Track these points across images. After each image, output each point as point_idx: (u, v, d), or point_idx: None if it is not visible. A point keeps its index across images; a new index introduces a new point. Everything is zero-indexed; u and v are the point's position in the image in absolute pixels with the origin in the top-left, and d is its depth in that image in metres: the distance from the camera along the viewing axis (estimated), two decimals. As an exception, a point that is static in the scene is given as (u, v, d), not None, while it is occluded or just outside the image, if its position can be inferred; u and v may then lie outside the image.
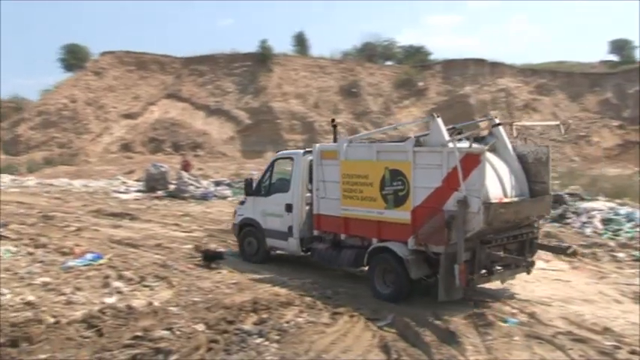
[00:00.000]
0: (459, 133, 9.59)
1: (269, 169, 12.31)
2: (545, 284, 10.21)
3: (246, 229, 12.48)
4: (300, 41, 52.45)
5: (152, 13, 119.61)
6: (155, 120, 45.11)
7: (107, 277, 9.86)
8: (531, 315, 8.31)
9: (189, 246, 13.11)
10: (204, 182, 25.56)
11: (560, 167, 29.82)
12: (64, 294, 8.87)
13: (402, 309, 8.58)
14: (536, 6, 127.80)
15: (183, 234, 14.90)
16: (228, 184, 25.97)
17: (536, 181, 9.56)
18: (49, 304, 8.32)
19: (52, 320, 7.46)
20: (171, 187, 24.53)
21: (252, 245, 12.35)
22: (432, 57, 54.88)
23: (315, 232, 11.08)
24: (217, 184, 26.10)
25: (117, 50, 49.67)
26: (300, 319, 7.96)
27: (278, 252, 12.21)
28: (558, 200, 17.00)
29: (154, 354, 6.57)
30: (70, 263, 10.50)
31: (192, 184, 23.96)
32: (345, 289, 9.87)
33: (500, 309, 8.60)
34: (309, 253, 11.41)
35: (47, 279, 9.50)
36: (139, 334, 7.08)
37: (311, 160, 11.13)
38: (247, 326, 7.54)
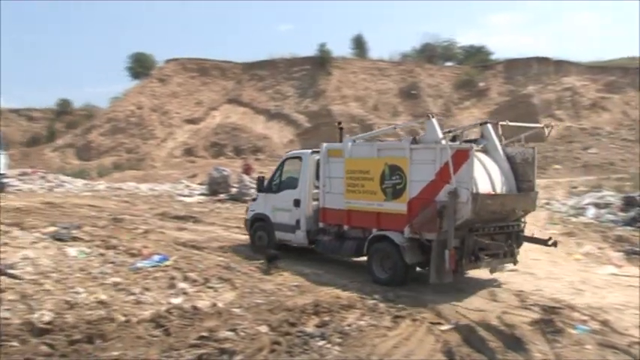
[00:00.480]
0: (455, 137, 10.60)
1: (279, 168, 13.46)
2: (618, 290, 9.80)
3: (257, 223, 13.52)
4: (359, 44, 52.41)
5: (214, 20, 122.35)
6: (217, 125, 46.11)
7: (173, 278, 10.10)
8: (604, 323, 7.98)
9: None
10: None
11: (632, 168, 28.57)
12: (133, 294, 9.16)
13: (466, 312, 8.44)
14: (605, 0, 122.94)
15: (245, 236, 15.14)
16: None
17: (524, 180, 10.50)
18: (120, 304, 8.61)
19: (123, 319, 7.72)
20: (233, 190, 24.99)
21: (262, 239, 13.32)
22: (493, 57, 53.81)
23: (321, 225, 12.11)
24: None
25: (180, 57, 51.12)
26: (361, 322, 7.96)
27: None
28: (631, 202, 16.34)
29: (219, 354, 6.72)
30: (139, 264, 10.82)
31: (253, 187, 24.33)
32: (407, 292, 9.79)
33: (570, 315, 8.29)
34: (313, 245, 12.36)
35: (118, 279, 9.83)
36: (205, 334, 7.24)
37: (318, 159, 12.23)
38: (309, 328, 7.60)
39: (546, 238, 11.32)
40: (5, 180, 24.02)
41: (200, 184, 30.76)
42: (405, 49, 56.84)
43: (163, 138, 45.37)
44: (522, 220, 10.82)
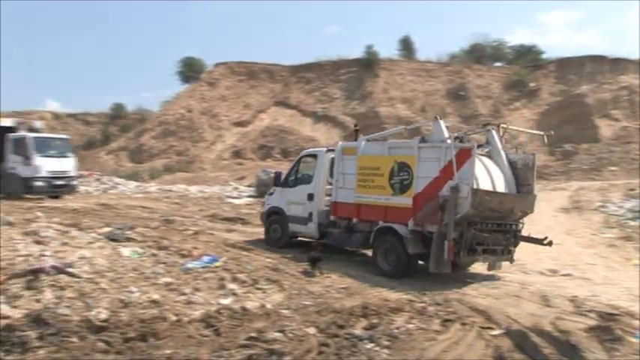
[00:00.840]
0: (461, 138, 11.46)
1: (296, 165, 14.60)
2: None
3: (273, 217, 14.55)
4: (407, 45, 52.04)
5: (262, 23, 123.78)
6: (265, 127, 46.59)
7: (222, 279, 10.24)
8: (666, 331, 7.65)
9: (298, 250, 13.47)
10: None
11: None
12: (184, 294, 9.34)
13: (518, 317, 8.26)
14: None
15: (292, 238, 15.27)
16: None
17: (523, 184, 11.27)
18: (172, 303, 8.79)
19: (174, 318, 7.86)
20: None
21: (276, 231, 14.40)
22: (544, 56, 52.49)
23: (332, 218, 13.04)
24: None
25: (229, 61, 51.91)
26: (410, 326, 7.88)
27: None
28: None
29: (268, 355, 6.75)
30: (189, 265, 11.03)
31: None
32: (457, 295, 9.67)
33: (629, 323, 7.97)
34: (324, 238, 13.21)
35: (169, 279, 10.04)
36: (254, 335, 7.30)
37: (332, 158, 13.27)
38: (358, 331, 7.56)
39: (542, 237, 11.72)
40: (74, 182, 24.83)
41: (248, 185, 31.18)
42: (453, 49, 56.10)
43: (212, 140, 46.15)
44: (521, 221, 11.51)
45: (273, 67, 51.76)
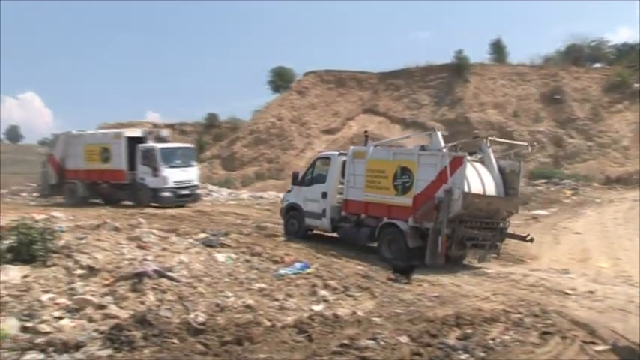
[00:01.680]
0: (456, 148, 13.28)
1: (311, 166, 16.74)
2: None
3: (291, 212, 16.51)
4: (498, 49, 50.40)
5: (351, 31, 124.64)
6: (353, 135, 46.63)
7: (314, 285, 10.39)
8: None
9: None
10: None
11: None
12: (277, 299, 9.56)
13: (625, 333, 7.79)
14: None
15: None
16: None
17: (510, 187, 13.13)
18: (265, 308, 9.02)
19: (268, 323, 8.06)
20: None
21: (294, 225, 16.37)
22: (651, 54, 49.13)
23: (343, 214, 14.91)
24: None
25: (318, 70, 52.51)
26: (506, 337, 7.64)
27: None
28: None
29: (361, 362, 6.78)
30: (282, 271, 11.27)
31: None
32: (555, 307, 9.26)
33: None
34: (335, 231, 15.27)
35: (262, 285, 10.32)
36: (346, 342, 7.33)
37: (344, 161, 15.12)
38: (451, 341, 7.43)
39: (524, 235, 13.31)
40: (198, 192, 25.81)
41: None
42: (547, 51, 53.64)
43: (302, 148, 46.84)
44: (507, 219, 13.35)
45: (361, 74, 51.79)
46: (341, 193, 15.01)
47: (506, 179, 13.09)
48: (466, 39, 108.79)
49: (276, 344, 7.26)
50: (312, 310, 9.04)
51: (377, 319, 8.47)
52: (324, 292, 10.03)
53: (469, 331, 7.83)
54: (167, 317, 7.94)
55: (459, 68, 47.58)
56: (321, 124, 48.51)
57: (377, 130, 46.16)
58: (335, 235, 15.46)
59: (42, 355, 6.74)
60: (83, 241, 11.74)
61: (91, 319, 8.22)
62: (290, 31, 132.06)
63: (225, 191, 33.90)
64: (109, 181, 25.25)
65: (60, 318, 8.22)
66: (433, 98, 47.07)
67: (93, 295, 9.06)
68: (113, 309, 8.59)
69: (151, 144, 24.58)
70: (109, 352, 6.82)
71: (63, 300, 8.81)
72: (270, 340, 7.36)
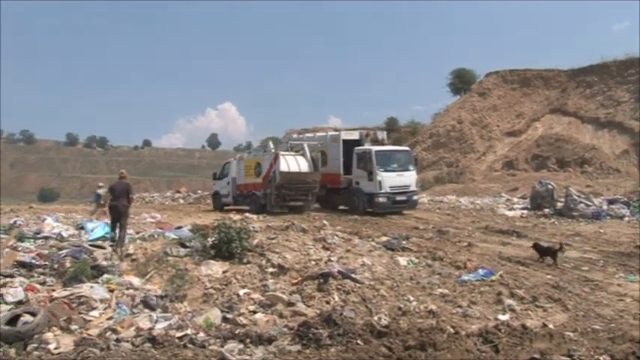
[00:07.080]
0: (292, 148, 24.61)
1: (222, 167, 27.32)
2: None
3: (215, 195, 27.76)
4: None
5: (538, 29, 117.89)
6: (539, 136, 44.00)
7: (499, 293, 9.94)
8: None
9: (585, 268, 12.44)
10: (596, 200, 23.74)
11: None
12: (460, 306, 9.32)
13: None
14: None
15: (576, 254, 14.12)
16: (625, 203, 23.54)
17: (314, 167, 23.49)
18: (448, 315, 8.86)
19: (452, 330, 7.87)
20: (559, 204, 23.54)
21: (217, 202, 27.16)
22: None
23: (237, 192, 25.75)
24: (611, 202, 23.97)
25: (501, 70, 50.48)
26: None
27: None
28: None
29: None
30: (464, 277, 10.96)
31: (582, 202, 22.52)
32: None
33: None
34: (236, 203, 26.06)
35: (445, 290, 10.13)
36: (536, 356, 6.91)
37: (236, 162, 26.34)
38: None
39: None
40: (415, 197, 24.51)
41: (522, 197, 29.84)
42: None
43: (483, 151, 45.34)
44: (315, 185, 23.40)
45: (548, 72, 48.64)
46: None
47: (311, 161, 23.42)
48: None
49: (460, 352, 7.07)
50: (497, 319, 8.67)
51: (570, 334, 7.86)
52: (510, 302, 9.54)
53: (683, 355, 6.93)
54: (351, 318, 8.17)
55: (665, 59, 42.36)
56: (504, 126, 46.52)
57: (565, 131, 43.00)
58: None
59: (241, 346, 7.34)
60: (274, 241, 12.57)
61: (281, 315, 8.79)
62: (472, 33, 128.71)
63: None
64: (325, 185, 24.54)
65: (254, 312, 8.92)
66: (632, 95, 42.29)
67: (283, 292, 9.67)
68: (301, 307, 9.08)
69: (366, 146, 23.92)
70: (297, 347, 7.20)
71: (257, 295, 9.54)
72: (454, 348, 7.18)
